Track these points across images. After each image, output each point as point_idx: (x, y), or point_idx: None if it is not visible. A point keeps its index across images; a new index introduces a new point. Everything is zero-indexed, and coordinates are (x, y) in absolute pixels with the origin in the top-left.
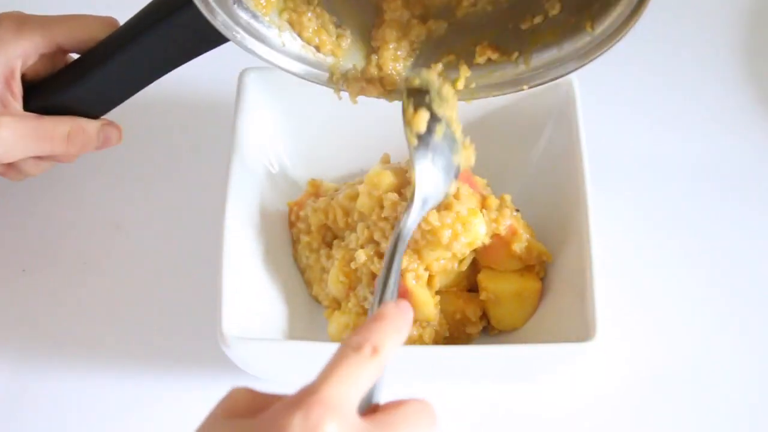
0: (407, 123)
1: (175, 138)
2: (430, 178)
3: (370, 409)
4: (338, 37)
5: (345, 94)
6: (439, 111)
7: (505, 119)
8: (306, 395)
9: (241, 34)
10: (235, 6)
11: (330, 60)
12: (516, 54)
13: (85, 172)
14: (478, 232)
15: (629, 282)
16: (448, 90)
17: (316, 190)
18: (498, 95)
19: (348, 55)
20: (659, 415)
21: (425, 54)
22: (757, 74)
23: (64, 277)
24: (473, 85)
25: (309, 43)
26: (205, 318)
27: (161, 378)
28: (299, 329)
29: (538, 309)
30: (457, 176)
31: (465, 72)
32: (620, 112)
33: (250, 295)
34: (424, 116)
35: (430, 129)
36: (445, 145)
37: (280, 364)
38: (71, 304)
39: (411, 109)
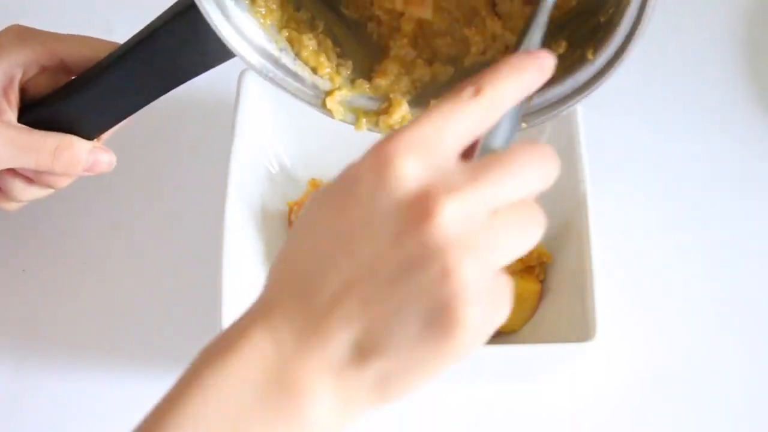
0: None
1: (175, 138)
2: None
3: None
4: (338, 65)
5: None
6: None
7: None
8: (382, 139)
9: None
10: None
11: (327, 85)
12: None
13: None
14: None
15: (629, 282)
16: None
17: (316, 189)
18: None
19: (345, 84)
20: (659, 415)
21: (426, 92)
22: (757, 74)
23: (64, 277)
24: None
25: (306, 63)
26: (205, 318)
27: (161, 378)
28: None
29: (538, 309)
30: None
31: None
32: (620, 112)
33: (250, 295)
34: None
35: None
36: None
37: None
38: (71, 304)
39: None
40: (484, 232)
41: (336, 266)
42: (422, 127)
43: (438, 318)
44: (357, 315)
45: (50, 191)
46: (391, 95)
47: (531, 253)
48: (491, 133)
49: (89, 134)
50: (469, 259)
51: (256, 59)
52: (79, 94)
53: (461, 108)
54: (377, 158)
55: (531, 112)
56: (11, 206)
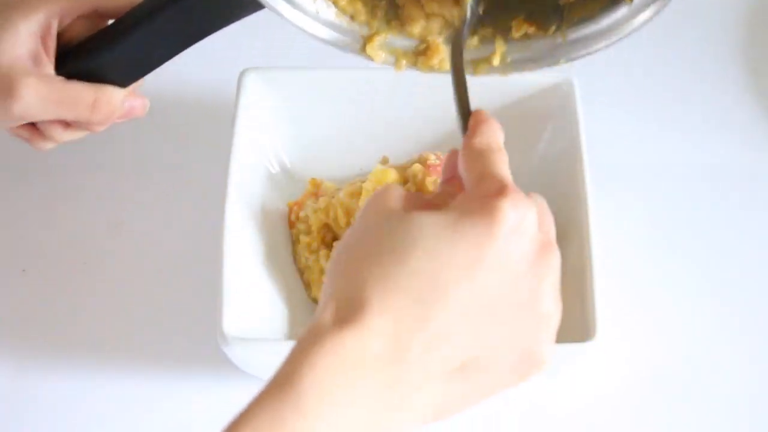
0: None
1: (175, 138)
2: None
3: None
4: (373, 7)
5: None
6: None
7: (505, 119)
8: (485, 185)
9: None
10: None
11: (365, 30)
12: (553, 28)
13: (85, 171)
14: None
15: (629, 282)
16: None
17: (316, 189)
18: (534, 69)
19: (382, 27)
20: (659, 415)
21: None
22: (757, 75)
23: (64, 277)
24: (509, 60)
25: (344, 12)
26: (205, 318)
27: (161, 378)
28: (299, 329)
29: None
30: None
31: (501, 47)
32: (620, 113)
33: (251, 296)
34: None
35: None
36: None
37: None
38: (71, 304)
39: None
40: (555, 261)
41: (457, 295)
42: (510, 182)
43: (530, 356)
44: (470, 338)
45: (86, 133)
46: (429, 38)
47: None
48: None
49: (124, 83)
50: (559, 305)
51: (289, 11)
52: (114, 46)
53: (503, 160)
54: (517, 208)
55: (569, 48)
56: (46, 146)
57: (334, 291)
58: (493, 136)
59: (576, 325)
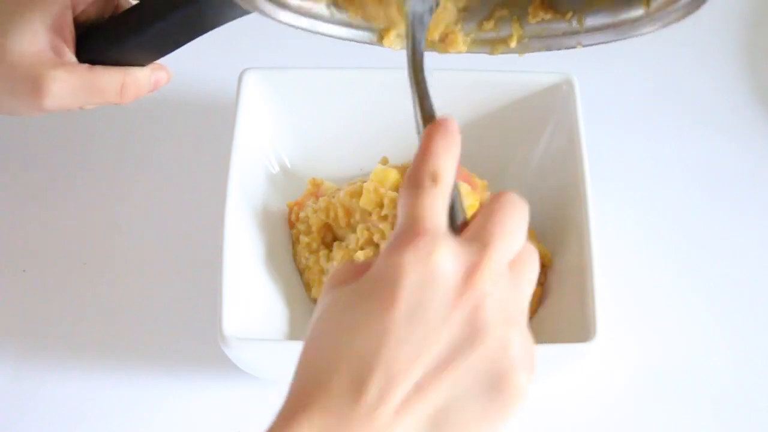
0: None
1: (175, 138)
2: None
3: (461, 229)
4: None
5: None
6: None
7: (505, 119)
8: (400, 235)
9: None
10: None
11: (382, 24)
12: (570, 14)
13: (85, 172)
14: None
15: (629, 282)
16: None
17: (316, 189)
18: (551, 50)
19: (397, 21)
20: (659, 415)
21: (475, 11)
22: (757, 75)
23: (64, 277)
24: (525, 40)
25: (356, 14)
26: (205, 318)
27: (161, 378)
28: (299, 330)
29: (538, 310)
30: None
31: (518, 30)
32: (620, 113)
33: (251, 296)
34: None
35: None
36: None
37: (280, 364)
38: (71, 304)
39: None
40: (513, 296)
41: (385, 357)
42: (424, 220)
43: (498, 389)
44: (419, 397)
45: None
46: (445, 29)
47: None
48: (455, 208)
49: (146, 63)
50: (514, 329)
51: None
52: (134, 36)
53: (433, 194)
54: (418, 252)
55: (585, 35)
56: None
57: (293, 376)
58: (435, 162)
59: (576, 325)
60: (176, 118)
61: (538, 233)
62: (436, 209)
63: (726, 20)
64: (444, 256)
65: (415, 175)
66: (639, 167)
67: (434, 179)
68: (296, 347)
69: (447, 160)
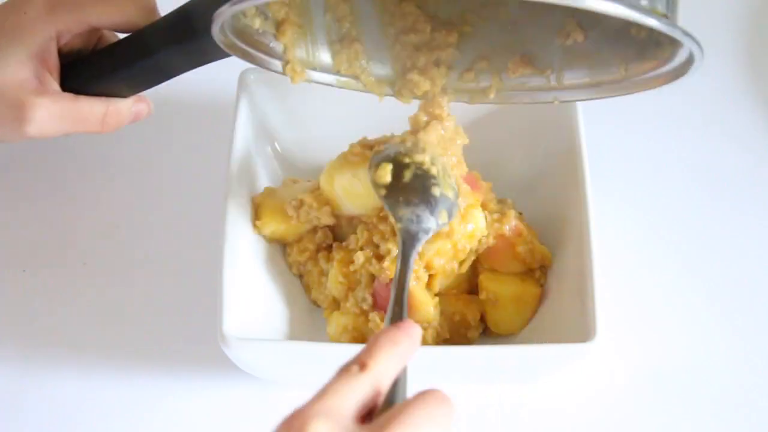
0: (372, 181)
1: (175, 138)
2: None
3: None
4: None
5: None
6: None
7: (505, 120)
8: (291, 413)
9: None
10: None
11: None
12: (548, 71)
13: (84, 172)
14: (479, 222)
15: (629, 282)
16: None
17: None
18: (529, 103)
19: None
20: (659, 415)
21: (458, 62)
22: (757, 75)
23: (64, 277)
24: (504, 93)
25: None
26: (205, 318)
27: (161, 378)
28: (299, 330)
29: (538, 310)
30: (449, 210)
31: (497, 83)
32: (620, 113)
33: (251, 296)
34: (386, 168)
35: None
36: (419, 184)
37: (279, 364)
38: (71, 304)
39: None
40: None
41: None
42: (325, 399)
43: None
44: None
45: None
46: (429, 92)
47: (533, 255)
48: (390, 392)
49: (128, 95)
50: None
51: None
52: (117, 72)
53: (352, 380)
54: (291, 427)
55: (563, 92)
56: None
57: None
58: (370, 356)
59: (576, 325)
60: (176, 118)
61: (538, 233)
62: (346, 393)
63: (726, 20)
64: (319, 427)
65: (349, 361)
66: (639, 167)
67: (362, 368)
68: (296, 347)
69: (388, 356)
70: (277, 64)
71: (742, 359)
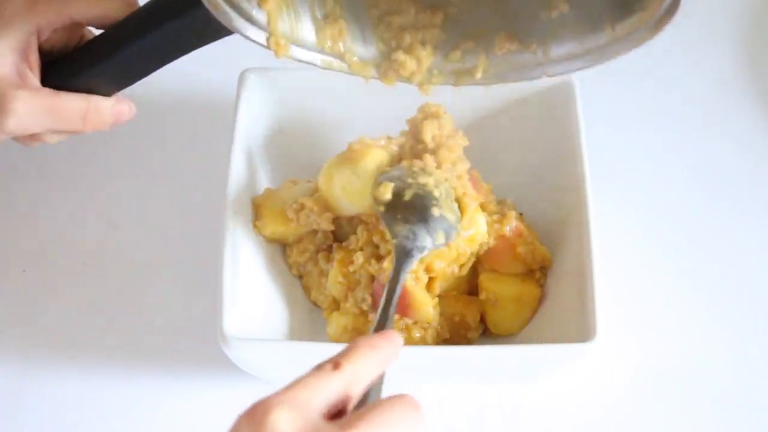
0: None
1: (174, 138)
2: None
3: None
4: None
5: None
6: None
7: (505, 120)
8: (255, 402)
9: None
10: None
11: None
12: (534, 45)
13: (84, 172)
14: (480, 227)
15: (629, 282)
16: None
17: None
18: (515, 81)
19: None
20: (659, 415)
21: (443, 41)
22: (757, 75)
23: (64, 277)
24: (490, 72)
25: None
26: (205, 318)
27: (161, 378)
28: (299, 330)
29: (538, 310)
30: (447, 232)
31: (483, 62)
32: (620, 113)
33: (251, 296)
34: (388, 186)
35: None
36: (419, 203)
37: (279, 364)
38: (71, 304)
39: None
40: None
41: None
42: (292, 390)
43: None
44: None
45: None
46: (415, 73)
47: (534, 256)
48: (364, 398)
49: (109, 93)
50: None
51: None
52: (98, 64)
53: (323, 377)
54: (254, 414)
55: (551, 64)
56: (35, 145)
57: None
58: (346, 357)
59: (576, 325)
60: (176, 118)
61: (538, 234)
62: (315, 389)
63: (726, 20)
64: (282, 415)
65: (324, 360)
66: (639, 167)
67: (336, 367)
68: (296, 347)
69: (361, 361)
70: (262, 36)
71: (742, 359)
